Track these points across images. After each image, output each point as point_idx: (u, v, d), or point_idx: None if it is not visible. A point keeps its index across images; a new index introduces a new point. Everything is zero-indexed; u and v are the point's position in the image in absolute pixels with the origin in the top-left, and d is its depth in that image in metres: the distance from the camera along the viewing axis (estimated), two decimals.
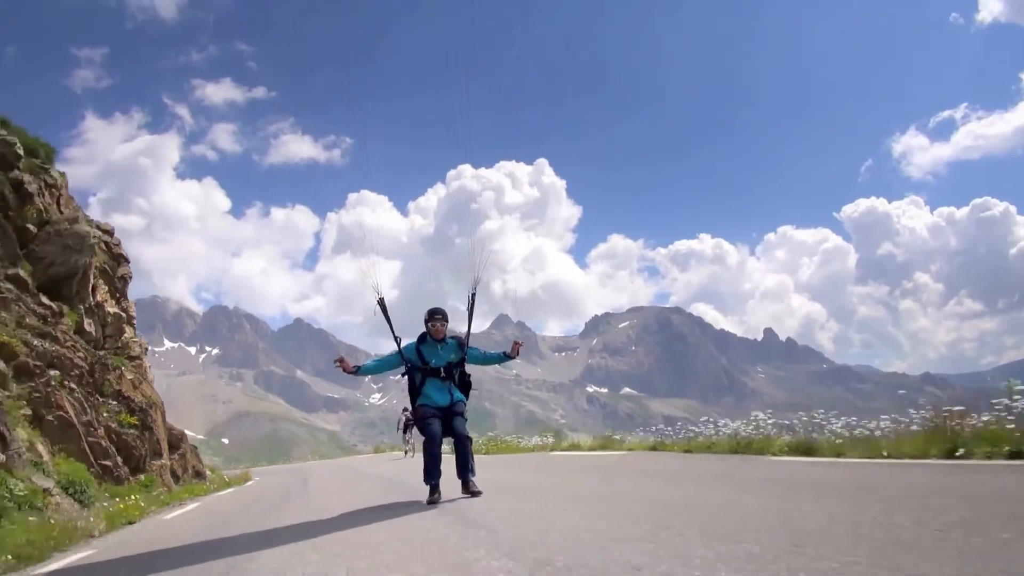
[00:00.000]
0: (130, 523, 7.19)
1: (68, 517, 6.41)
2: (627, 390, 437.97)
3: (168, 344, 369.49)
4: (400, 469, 12.58)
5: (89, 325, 11.66)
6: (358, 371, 5.44)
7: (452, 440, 5.58)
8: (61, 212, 11.94)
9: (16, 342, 8.56)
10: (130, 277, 14.62)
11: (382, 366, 5.58)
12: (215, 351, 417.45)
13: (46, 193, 11.82)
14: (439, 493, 5.23)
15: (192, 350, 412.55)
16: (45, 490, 6.66)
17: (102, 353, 11.52)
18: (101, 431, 9.32)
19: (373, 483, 9.73)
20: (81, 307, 11.48)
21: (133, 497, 8.37)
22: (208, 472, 15.77)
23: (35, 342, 9.11)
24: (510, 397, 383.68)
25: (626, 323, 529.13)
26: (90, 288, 11.74)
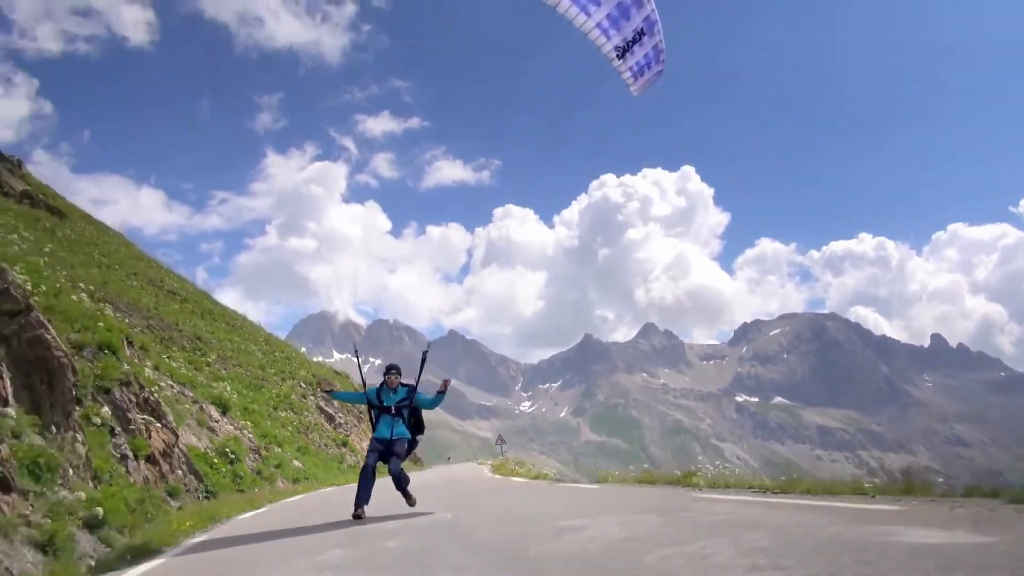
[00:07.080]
0: None
1: None
2: (779, 399, 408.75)
3: (337, 355, 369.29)
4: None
5: None
6: (331, 394, 8.05)
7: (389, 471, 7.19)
8: None
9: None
10: None
11: (351, 398, 8.10)
12: (377, 361, 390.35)
13: None
14: (363, 511, 6.60)
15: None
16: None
17: None
18: None
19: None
20: None
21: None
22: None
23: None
24: (657, 406, 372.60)
25: (777, 330, 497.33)
26: None
